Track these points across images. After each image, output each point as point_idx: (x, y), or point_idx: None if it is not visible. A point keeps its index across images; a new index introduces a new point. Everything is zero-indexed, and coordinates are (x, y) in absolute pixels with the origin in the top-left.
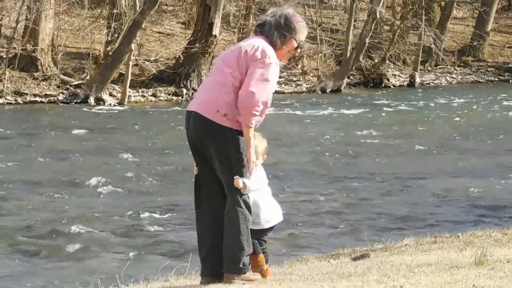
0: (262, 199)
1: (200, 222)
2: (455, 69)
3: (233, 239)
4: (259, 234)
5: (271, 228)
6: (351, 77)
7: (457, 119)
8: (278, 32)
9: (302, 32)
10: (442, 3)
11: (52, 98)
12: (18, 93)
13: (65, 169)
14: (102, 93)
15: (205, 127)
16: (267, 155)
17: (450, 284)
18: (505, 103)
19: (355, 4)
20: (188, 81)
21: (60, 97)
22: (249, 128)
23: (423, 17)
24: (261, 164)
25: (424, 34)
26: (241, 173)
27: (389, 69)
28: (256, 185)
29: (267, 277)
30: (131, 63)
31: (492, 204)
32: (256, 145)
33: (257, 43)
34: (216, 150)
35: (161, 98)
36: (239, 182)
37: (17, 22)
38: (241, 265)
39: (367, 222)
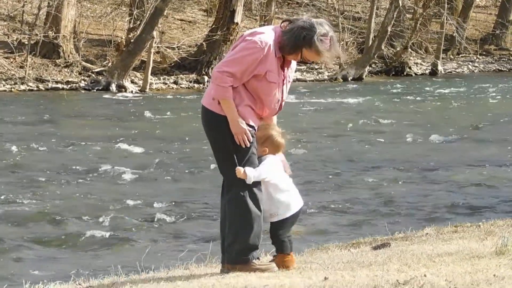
0: (274, 190)
1: (222, 211)
2: (477, 57)
3: (228, 229)
4: (277, 226)
5: (288, 219)
6: (373, 65)
7: (479, 108)
8: (294, 38)
9: (317, 55)
10: None
11: (73, 85)
12: (40, 79)
13: (85, 157)
14: (123, 80)
15: (203, 116)
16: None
17: (471, 274)
18: None
19: None
20: (210, 69)
21: (82, 84)
22: (220, 101)
23: (446, 5)
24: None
25: (446, 23)
26: (233, 161)
27: (411, 58)
28: (264, 175)
29: (290, 268)
30: (153, 50)
31: None
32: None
33: (259, 29)
34: (209, 138)
35: (183, 86)
36: (240, 170)
37: (39, 8)
38: (234, 255)
39: (388, 211)
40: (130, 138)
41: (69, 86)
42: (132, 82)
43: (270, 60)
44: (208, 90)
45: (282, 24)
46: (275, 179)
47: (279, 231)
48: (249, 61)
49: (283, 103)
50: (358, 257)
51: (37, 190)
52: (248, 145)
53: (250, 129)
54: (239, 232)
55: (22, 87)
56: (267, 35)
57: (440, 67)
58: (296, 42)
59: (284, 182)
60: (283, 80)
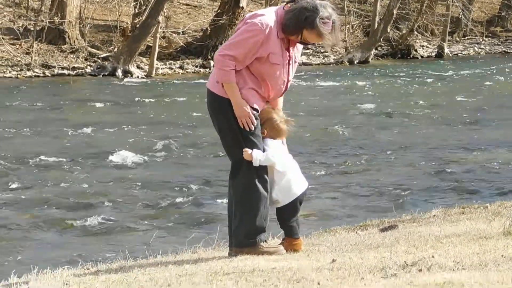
0: (276, 176)
1: (229, 194)
2: (483, 39)
3: (235, 211)
4: (283, 212)
5: (292, 203)
6: (379, 48)
7: (485, 90)
8: (296, 18)
9: (318, 37)
10: None
11: (79, 70)
12: (46, 65)
13: (91, 142)
14: (129, 65)
15: (208, 99)
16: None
17: (479, 255)
18: None
19: None
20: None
21: (88, 70)
22: (223, 84)
23: None
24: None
25: (452, 5)
26: (239, 144)
27: (417, 40)
28: (271, 160)
29: (299, 251)
30: (158, 35)
31: None
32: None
33: (260, 11)
34: (214, 121)
35: (189, 70)
36: (247, 151)
37: None
38: (242, 238)
39: (395, 193)
40: (136, 123)
41: (75, 72)
42: (138, 67)
43: (272, 41)
44: (213, 73)
45: (286, 5)
46: (279, 165)
47: (285, 216)
48: (250, 44)
49: (289, 83)
50: (365, 239)
51: (43, 175)
52: (252, 128)
53: (254, 112)
54: (246, 214)
55: (28, 73)
56: (268, 16)
57: (446, 50)
58: (297, 23)
59: (287, 167)
60: (289, 61)
